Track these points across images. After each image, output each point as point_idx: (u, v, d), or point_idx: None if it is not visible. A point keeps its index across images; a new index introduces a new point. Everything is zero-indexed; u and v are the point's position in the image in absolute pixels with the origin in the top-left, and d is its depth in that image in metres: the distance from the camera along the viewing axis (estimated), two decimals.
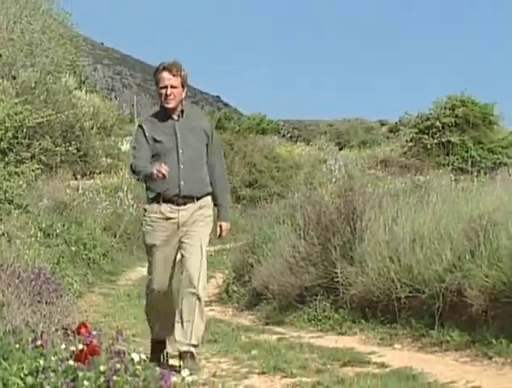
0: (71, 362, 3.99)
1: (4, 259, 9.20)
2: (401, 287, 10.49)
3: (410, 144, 29.53)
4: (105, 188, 26.81)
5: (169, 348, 7.33)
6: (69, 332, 4.49)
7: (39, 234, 14.88)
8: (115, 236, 22.42)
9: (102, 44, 55.73)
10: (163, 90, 6.35)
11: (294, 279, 13.74)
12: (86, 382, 3.85)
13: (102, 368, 3.98)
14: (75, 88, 32.32)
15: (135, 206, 24.08)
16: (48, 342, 4.43)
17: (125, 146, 34.75)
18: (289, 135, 54.42)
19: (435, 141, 27.62)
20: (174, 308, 6.76)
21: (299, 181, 21.71)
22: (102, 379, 3.93)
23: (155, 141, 6.47)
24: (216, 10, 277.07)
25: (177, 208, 6.49)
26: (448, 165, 19.51)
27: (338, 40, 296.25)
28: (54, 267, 11.30)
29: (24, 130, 17.68)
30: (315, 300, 12.70)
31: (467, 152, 26.37)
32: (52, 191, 20.46)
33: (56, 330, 5.05)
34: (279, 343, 10.12)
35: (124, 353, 4.33)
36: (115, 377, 3.97)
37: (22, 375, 3.95)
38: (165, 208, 6.49)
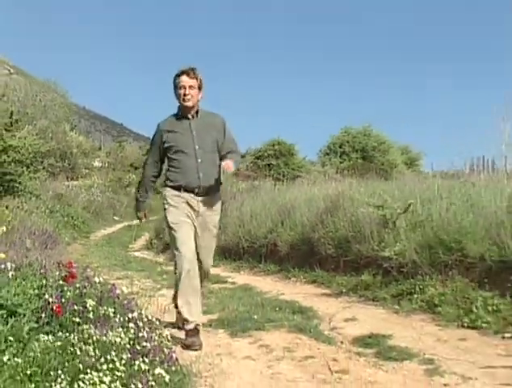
0: (61, 282, 4.76)
1: (27, 224, 12.60)
2: (245, 241, 14.21)
3: (251, 164, 37.28)
4: (84, 186, 38.55)
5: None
6: (61, 265, 5.15)
7: (46, 211, 21.54)
8: (89, 212, 32.61)
9: (84, 107, 69.07)
10: (181, 91, 6.08)
11: None
12: (68, 293, 4.57)
13: (77, 285, 4.79)
14: (70, 130, 46.44)
15: (100, 195, 37.71)
16: (49, 270, 5.25)
17: (96, 163, 52.08)
18: None
19: (264, 162, 37.22)
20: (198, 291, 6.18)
21: None
22: (77, 291, 4.71)
23: (172, 140, 6.16)
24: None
25: (197, 198, 6.15)
26: (271, 176, 27.56)
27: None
28: (54, 229, 14.93)
29: (39, 153, 25.54)
30: None
31: (280, 169, 35.78)
32: (54, 188, 30.41)
33: (53, 264, 5.63)
34: None
35: (90, 277, 5.29)
36: (85, 290, 4.80)
37: (33, 288, 4.65)
38: (186, 195, 6.13)
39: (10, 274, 4.81)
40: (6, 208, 15.35)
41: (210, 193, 6.28)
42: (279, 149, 36.28)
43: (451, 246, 7.85)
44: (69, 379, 3.37)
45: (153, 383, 3.78)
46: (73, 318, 4.20)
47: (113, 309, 4.63)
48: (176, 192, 6.20)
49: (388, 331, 6.42)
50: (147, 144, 69.18)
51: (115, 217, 36.58)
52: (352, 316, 7.35)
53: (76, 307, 4.33)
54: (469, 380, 4.85)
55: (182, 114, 6.30)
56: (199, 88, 6.26)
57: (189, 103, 6.18)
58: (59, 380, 3.36)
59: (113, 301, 5.03)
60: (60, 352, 3.71)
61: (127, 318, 4.66)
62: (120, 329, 4.32)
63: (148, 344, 4.32)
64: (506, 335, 6.08)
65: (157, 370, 4.00)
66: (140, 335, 4.43)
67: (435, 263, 7.95)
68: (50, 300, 4.29)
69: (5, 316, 3.97)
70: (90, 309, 4.39)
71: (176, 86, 6.21)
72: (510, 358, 5.38)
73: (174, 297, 6.55)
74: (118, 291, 5.46)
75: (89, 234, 27.00)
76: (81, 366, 3.56)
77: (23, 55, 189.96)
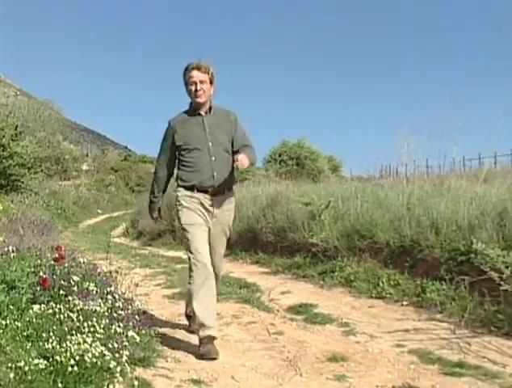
0: (52, 262, 4.63)
1: (27, 215, 12.63)
2: None
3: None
4: (74, 185, 38.97)
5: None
6: (53, 249, 4.98)
7: (43, 205, 22.31)
8: (78, 206, 33.46)
9: (75, 122, 70.50)
10: (193, 87, 4.79)
11: (156, 226, 16.69)
12: (58, 271, 4.48)
13: (66, 264, 4.71)
14: (63, 141, 47.43)
15: (87, 193, 38.55)
16: (43, 253, 5.19)
17: (84, 167, 51.34)
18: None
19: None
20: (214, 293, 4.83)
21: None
22: (65, 269, 4.61)
23: (185, 137, 4.85)
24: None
25: (210, 197, 4.82)
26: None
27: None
28: (50, 220, 14.91)
29: (38, 158, 25.90)
30: (165, 235, 16.73)
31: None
32: (50, 186, 31.16)
33: (48, 248, 5.63)
34: (148, 254, 13.38)
35: (76, 258, 5.39)
36: (72, 269, 4.74)
37: (30, 267, 4.59)
38: (199, 195, 4.80)
39: (12, 255, 4.79)
40: (12, 202, 15.89)
41: (224, 193, 4.93)
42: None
43: (364, 235, 7.98)
44: (58, 339, 3.37)
45: (127, 343, 3.76)
46: (61, 291, 4.18)
47: (94, 284, 4.60)
48: (189, 193, 4.86)
49: (314, 301, 6.47)
50: (125, 151, 69.19)
51: (98, 210, 37.17)
52: (287, 290, 7.40)
53: (64, 282, 4.30)
54: (375, 338, 4.96)
55: (194, 110, 4.95)
56: (211, 82, 4.90)
57: (201, 99, 4.86)
58: (50, 340, 3.36)
59: (95, 278, 5.01)
60: (51, 318, 3.72)
61: (105, 291, 4.63)
62: (100, 300, 4.30)
63: (122, 312, 4.31)
64: (404, 303, 6.25)
65: (130, 333, 3.99)
66: (117, 304, 4.41)
67: (352, 248, 8.07)
68: (43, 276, 4.25)
69: (6, 289, 3.98)
70: (75, 284, 4.37)
71: (187, 82, 4.87)
72: (406, 321, 5.52)
73: (187, 306, 5.24)
74: (99, 269, 5.46)
75: (77, 223, 27.68)
76: (67, 329, 3.57)
77: (26, 77, 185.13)
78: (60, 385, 3.06)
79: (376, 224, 7.88)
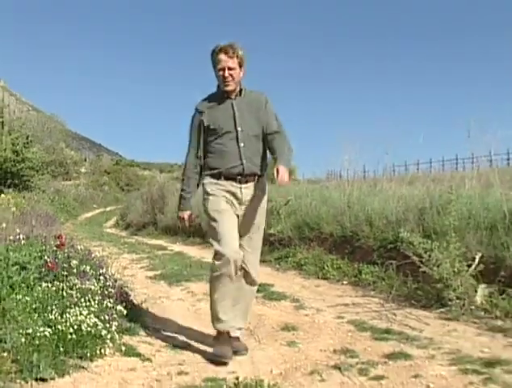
0: (55, 248, 4.53)
1: (35, 209, 12.70)
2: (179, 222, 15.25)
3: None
4: (74, 185, 40.46)
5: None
6: (56, 237, 4.83)
7: (49, 201, 22.29)
8: (77, 202, 33.90)
9: (76, 132, 71.29)
10: (221, 73, 3.72)
11: (141, 219, 17.41)
12: (59, 255, 4.39)
13: (66, 250, 4.61)
14: (65, 148, 48.19)
15: (85, 191, 39.65)
16: (48, 240, 5.07)
17: (82, 170, 52.24)
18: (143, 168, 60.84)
19: None
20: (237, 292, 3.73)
21: (146, 184, 27.69)
22: (65, 254, 4.50)
23: (213, 120, 3.77)
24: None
25: (239, 185, 3.71)
26: None
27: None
28: (54, 213, 14.82)
29: (45, 163, 26.84)
30: (148, 226, 16.55)
31: None
32: (54, 185, 31.61)
33: (52, 236, 5.31)
34: (135, 242, 13.34)
35: (75, 245, 5.34)
36: (71, 254, 4.66)
37: (37, 252, 4.50)
38: (227, 183, 3.71)
39: (22, 242, 4.77)
40: (23, 198, 16.74)
41: (254, 181, 3.77)
42: None
43: (313, 227, 8.06)
44: (60, 312, 3.40)
45: (116, 315, 3.81)
46: (63, 272, 4.18)
47: (90, 267, 4.60)
48: (215, 180, 3.74)
49: (271, 281, 6.48)
50: (116, 157, 68.75)
51: (94, 206, 37.73)
52: None
53: (64, 265, 4.29)
54: (321, 311, 5.01)
55: (223, 93, 3.82)
56: (240, 66, 3.78)
57: (230, 87, 3.75)
58: (53, 312, 3.39)
59: (90, 261, 5.00)
60: (55, 294, 3.73)
61: (99, 273, 4.62)
62: (94, 280, 4.30)
63: (112, 290, 4.33)
64: (344, 282, 6.32)
65: (119, 307, 4.02)
66: (108, 284, 4.43)
67: (302, 238, 8.15)
68: (48, 260, 4.25)
69: (18, 270, 3.97)
70: (74, 266, 4.36)
71: (214, 66, 3.77)
72: (346, 297, 5.59)
73: (213, 319, 3.75)
74: (93, 254, 5.46)
75: (77, 216, 27.76)
76: (68, 303, 3.58)
77: (37, 94, 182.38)
78: (61, 348, 3.12)
79: (323, 218, 7.96)
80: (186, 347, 3.92)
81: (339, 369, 3.30)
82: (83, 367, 3.12)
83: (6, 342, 2.94)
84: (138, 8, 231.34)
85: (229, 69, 3.69)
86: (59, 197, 28.21)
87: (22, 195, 18.09)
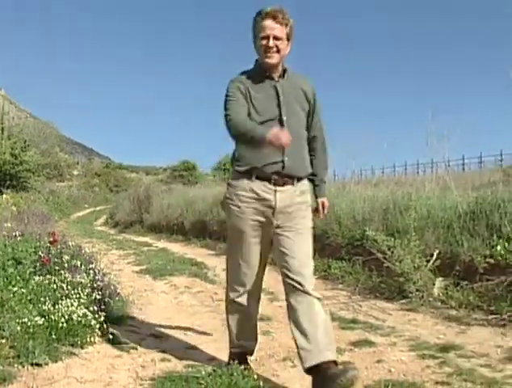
0: (48, 244, 4.50)
1: (31, 208, 12.47)
2: (164, 221, 14.00)
3: (168, 175, 36.22)
4: (67, 186, 40.77)
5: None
6: (49, 234, 4.82)
7: (44, 201, 22.01)
8: (70, 202, 33.38)
9: (70, 137, 70.79)
10: (264, 41, 2.68)
11: (129, 218, 17.20)
12: (52, 251, 4.35)
13: (58, 246, 4.60)
14: (59, 152, 47.01)
15: (77, 192, 39.71)
16: (42, 237, 5.09)
17: (75, 172, 51.76)
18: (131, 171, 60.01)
19: (178, 173, 34.84)
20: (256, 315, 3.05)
21: (133, 185, 27.93)
22: (58, 250, 4.47)
23: (253, 102, 2.72)
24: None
25: (273, 188, 2.70)
26: (180, 182, 26.03)
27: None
28: (48, 212, 14.35)
29: (41, 165, 26.92)
30: (135, 224, 16.45)
31: (188, 178, 32.34)
32: (49, 186, 31.33)
33: (46, 233, 5.34)
34: (122, 239, 13.15)
35: (67, 242, 5.33)
36: (63, 250, 4.62)
37: (32, 247, 4.50)
38: (259, 185, 2.70)
39: (18, 238, 4.79)
40: (21, 198, 17.04)
41: (293, 183, 2.76)
42: (187, 166, 36.00)
43: None
44: (52, 303, 3.41)
45: (104, 307, 3.82)
46: (56, 267, 4.17)
47: (80, 262, 4.56)
48: (245, 185, 2.72)
49: None
50: (106, 160, 68.33)
51: (85, 205, 37.62)
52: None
53: (57, 260, 4.28)
54: None
55: (263, 72, 2.79)
56: (288, 39, 2.76)
57: (272, 60, 2.72)
58: (47, 303, 3.39)
59: (81, 257, 4.96)
60: (48, 286, 3.72)
61: (89, 267, 4.61)
62: (84, 274, 4.28)
63: (101, 283, 4.31)
64: (315, 277, 6.30)
65: (107, 299, 4.04)
66: (97, 277, 4.41)
67: None
68: (42, 255, 4.25)
69: (15, 264, 4.00)
70: (66, 261, 4.34)
71: (256, 35, 2.75)
72: (316, 290, 5.61)
73: (231, 344, 3.05)
74: (84, 250, 5.44)
75: (69, 215, 27.66)
76: (60, 295, 3.58)
77: (34, 102, 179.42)
78: (54, 336, 3.13)
79: None
80: (168, 336, 3.92)
81: None
82: (74, 353, 3.13)
83: (4, 330, 2.96)
84: (127, 14, 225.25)
85: (275, 38, 2.70)
86: (53, 197, 28.10)
87: (19, 195, 18.28)
